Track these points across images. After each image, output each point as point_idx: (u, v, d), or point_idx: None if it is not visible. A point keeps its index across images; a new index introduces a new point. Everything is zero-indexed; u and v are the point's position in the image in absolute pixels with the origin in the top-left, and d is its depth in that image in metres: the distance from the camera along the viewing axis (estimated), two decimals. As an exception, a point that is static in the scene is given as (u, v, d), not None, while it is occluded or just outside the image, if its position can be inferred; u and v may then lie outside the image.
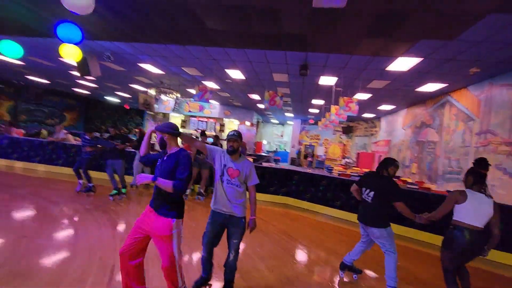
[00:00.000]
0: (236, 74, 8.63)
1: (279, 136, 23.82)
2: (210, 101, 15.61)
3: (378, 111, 13.12)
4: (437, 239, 4.90)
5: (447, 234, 2.74)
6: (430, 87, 7.99)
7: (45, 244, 3.50)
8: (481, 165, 3.30)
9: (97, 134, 8.70)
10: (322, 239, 4.89)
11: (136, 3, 4.73)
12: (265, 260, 3.71)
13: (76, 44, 4.93)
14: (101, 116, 22.80)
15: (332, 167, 13.56)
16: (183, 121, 17.87)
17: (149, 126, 18.50)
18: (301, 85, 9.40)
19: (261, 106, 14.14)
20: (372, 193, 3.07)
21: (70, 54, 5.91)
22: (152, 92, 10.64)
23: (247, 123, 17.66)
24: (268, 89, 9.45)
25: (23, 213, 4.64)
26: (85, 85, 14.41)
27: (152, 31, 5.88)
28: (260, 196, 7.30)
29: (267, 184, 7.45)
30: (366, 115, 14.88)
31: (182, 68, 8.66)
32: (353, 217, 6.12)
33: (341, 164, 16.02)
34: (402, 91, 8.86)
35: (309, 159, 19.75)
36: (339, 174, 8.32)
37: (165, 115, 18.45)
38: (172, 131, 2.29)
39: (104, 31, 6.09)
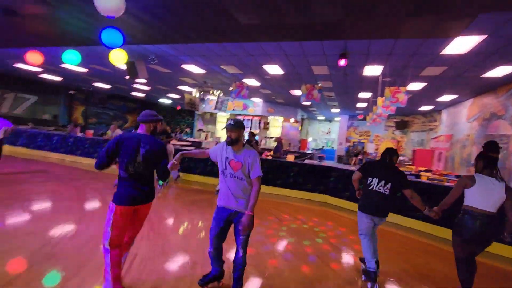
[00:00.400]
0: (274, 69, 8.49)
1: (326, 133, 22.94)
2: (253, 99, 15.85)
3: (438, 102, 11.70)
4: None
5: (457, 219, 2.69)
6: (501, 71, 6.79)
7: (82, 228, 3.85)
8: (491, 148, 3.20)
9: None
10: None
11: (170, 3, 4.92)
12: (286, 259, 3.53)
13: (118, 47, 5.34)
14: (157, 117, 24.74)
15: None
16: (227, 119, 18.30)
17: (198, 126, 19.50)
18: (344, 77, 8.83)
19: (305, 102, 13.76)
20: (389, 185, 2.97)
21: (118, 58, 6.44)
22: (196, 91, 11.10)
23: (291, 120, 17.36)
24: (308, 83, 9.10)
25: (75, 202, 5.19)
26: (140, 89, 15.73)
27: (188, 31, 6.08)
28: (296, 194, 7.07)
29: (304, 181, 7.15)
30: (424, 108, 13.40)
31: (222, 66, 8.83)
32: (398, 219, 5.52)
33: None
34: (465, 78, 7.72)
35: (359, 157, 18.58)
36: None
37: (212, 114, 19.18)
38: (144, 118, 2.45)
39: (145, 34, 6.50)
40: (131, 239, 2.53)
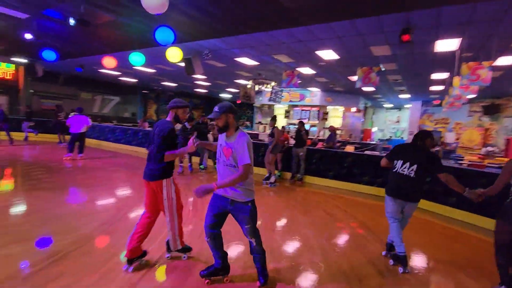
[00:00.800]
0: (327, 54, 7.98)
1: (395, 122, 20.79)
2: (310, 88, 15.29)
3: (541, 79, 9.42)
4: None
5: (504, 204, 2.49)
6: None
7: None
8: None
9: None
10: (421, 241, 3.90)
11: (213, -3, 5.00)
12: (325, 251, 3.27)
13: (170, 44, 5.68)
14: (219, 111, 26.08)
15: (463, 157, 10.80)
16: (287, 111, 18.14)
17: (258, 119, 19.83)
18: (411, 57, 7.77)
19: (366, 88, 12.66)
20: (414, 167, 2.88)
21: (174, 55, 6.89)
22: (250, 84, 11.23)
23: (353, 109, 16.22)
24: (369, 66, 8.30)
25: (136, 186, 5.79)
26: (202, 85, 16.69)
27: (234, 22, 6.11)
28: (350, 186, 6.56)
29: (360, 173, 6.57)
30: (521, 87, 10.98)
31: (273, 56, 8.69)
32: (470, 217, 4.63)
33: (480, 154, 12.47)
34: None
35: (436, 148, 16.29)
36: (469, 165, 6.49)
37: (270, 107, 19.24)
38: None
39: (196, 30, 6.78)
40: (154, 214, 2.72)
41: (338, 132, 16.67)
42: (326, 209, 4.93)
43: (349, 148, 10.23)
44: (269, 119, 18.99)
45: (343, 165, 6.63)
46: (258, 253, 2.39)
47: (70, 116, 8.88)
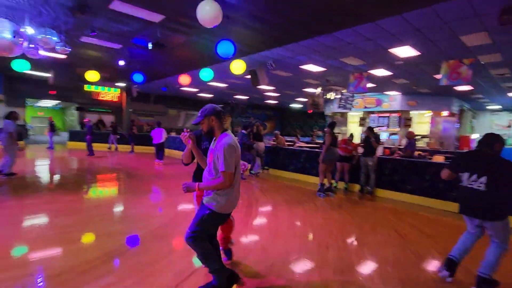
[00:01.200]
0: (404, 51, 7.02)
1: (505, 127, 16.92)
2: (388, 92, 13.78)
3: None
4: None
5: None
6: None
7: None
8: None
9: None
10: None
11: (269, 4, 4.97)
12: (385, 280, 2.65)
13: (231, 57, 5.89)
14: (290, 122, 26.07)
15: None
16: (362, 119, 16.77)
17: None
18: (521, 43, 6.18)
19: (460, 87, 10.68)
20: (484, 179, 2.39)
21: (237, 68, 7.15)
22: (318, 91, 10.81)
23: (444, 113, 13.88)
24: (459, 59, 6.96)
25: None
26: (271, 96, 16.96)
27: (293, 28, 5.95)
28: (433, 203, 5.43)
29: (447, 187, 5.21)
30: None
31: (340, 59, 8.15)
32: None
33: None
34: None
35: None
36: None
37: (343, 114, 18.14)
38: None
39: (258, 41, 6.88)
40: None
41: (425, 140, 14.48)
42: (398, 228, 4.14)
43: (438, 158, 8.66)
44: (343, 128, 18.12)
45: (424, 177, 5.55)
46: (203, 263, 2.21)
47: (153, 129, 10.15)
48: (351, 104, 10.61)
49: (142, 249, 3.19)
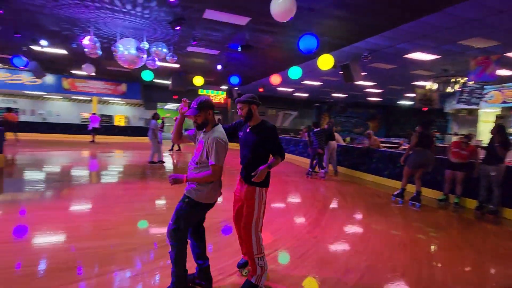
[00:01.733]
0: None
1: None
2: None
3: None
4: None
5: None
6: None
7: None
8: None
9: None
10: None
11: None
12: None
13: (314, 51, 5.59)
14: (399, 121, 22.87)
15: None
16: (499, 117, 13.04)
17: (454, 129, 15.73)
18: None
19: None
20: None
21: (324, 63, 6.78)
22: (431, 84, 9.05)
23: None
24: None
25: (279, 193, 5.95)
26: (373, 92, 15.31)
27: (393, 10, 5.13)
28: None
29: None
30: None
31: (459, 42, 6.54)
32: None
33: None
34: None
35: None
36: None
37: (472, 112, 14.61)
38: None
39: (348, 31, 6.29)
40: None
41: None
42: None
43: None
44: (471, 129, 14.61)
45: None
46: (172, 262, 2.05)
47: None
48: (479, 98, 8.35)
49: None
